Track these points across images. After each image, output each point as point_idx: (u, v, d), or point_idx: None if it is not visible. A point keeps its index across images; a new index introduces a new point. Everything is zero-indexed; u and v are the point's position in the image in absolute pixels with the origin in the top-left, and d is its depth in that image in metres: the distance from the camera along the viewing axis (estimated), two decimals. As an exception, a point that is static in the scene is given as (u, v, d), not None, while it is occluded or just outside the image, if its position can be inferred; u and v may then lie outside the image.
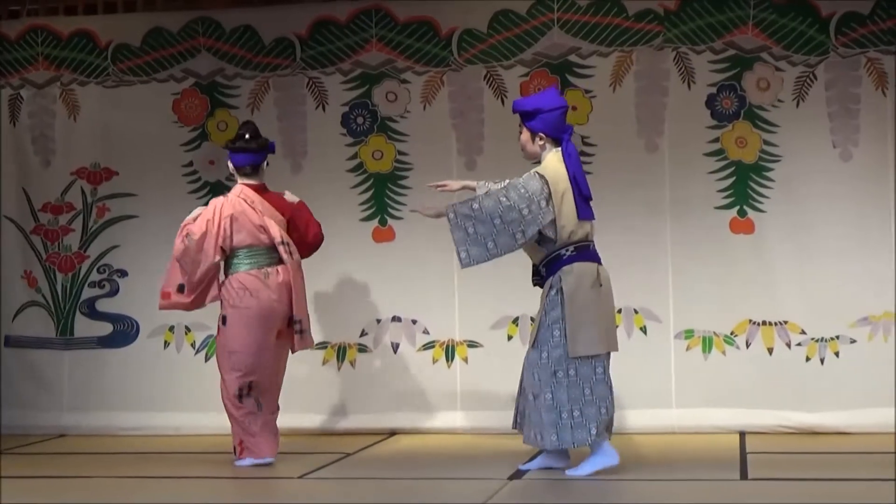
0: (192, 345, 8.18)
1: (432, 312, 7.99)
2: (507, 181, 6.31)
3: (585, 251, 6.21)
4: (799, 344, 7.56)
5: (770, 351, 7.63)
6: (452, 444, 7.41)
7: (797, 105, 7.62)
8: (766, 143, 7.65)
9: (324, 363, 8.03)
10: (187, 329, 8.19)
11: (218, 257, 6.70)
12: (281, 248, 6.74)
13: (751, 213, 7.65)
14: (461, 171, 7.91)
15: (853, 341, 7.51)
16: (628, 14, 7.77)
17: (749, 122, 7.68)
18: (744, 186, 7.67)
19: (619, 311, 7.71)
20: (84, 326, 8.33)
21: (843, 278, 7.51)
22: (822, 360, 7.55)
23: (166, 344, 8.23)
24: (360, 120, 8.08)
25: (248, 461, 6.63)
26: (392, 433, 7.83)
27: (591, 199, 6.25)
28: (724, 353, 7.67)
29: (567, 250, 6.17)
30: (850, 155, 7.55)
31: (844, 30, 7.58)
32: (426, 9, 7.99)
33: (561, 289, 6.11)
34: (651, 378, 7.68)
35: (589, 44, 7.81)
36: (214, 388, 7.90)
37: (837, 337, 7.54)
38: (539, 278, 6.32)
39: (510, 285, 7.79)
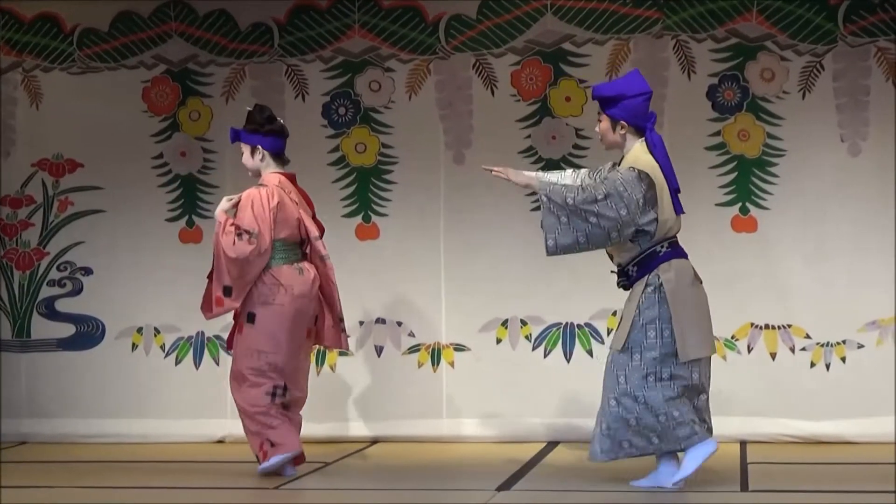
0: (162, 347, 8.08)
1: (418, 314, 7.94)
2: (605, 176, 6.12)
3: (678, 247, 6.07)
4: (804, 349, 7.56)
5: (773, 356, 7.64)
6: (438, 454, 7.38)
7: (803, 97, 7.60)
8: (770, 136, 7.63)
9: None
10: (157, 331, 8.09)
11: (270, 251, 6.58)
12: (319, 244, 6.66)
13: (753, 211, 7.65)
14: (449, 165, 7.92)
15: (861, 346, 7.51)
16: (626, 0, 7.72)
17: (752, 115, 7.67)
18: (746, 182, 7.66)
19: (614, 313, 7.66)
20: (42, 327, 8.21)
21: (851, 280, 7.52)
22: (827, 366, 7.56)
23: (134, 346, 8.12)
24: (341, 110, 8.02)
25: (276, 459, 6.42)
26: (374, 441, 7.79)
27: (679, 191, 6.08)
28: (724, 357, 7.61)
29: (662, 247, 6.00)
30: (859, 149, 7.54)
31: (853, 17, 7.58)
32: (413, -8, 7.98)
33: (660, 286, 5.93)
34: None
35: (584, 31, 7.79)
36: (185, 394, 7.93)
37: (844, 342, 7.54)
38: (626, 279, 6.11)
39: (500, 286, 7.84)
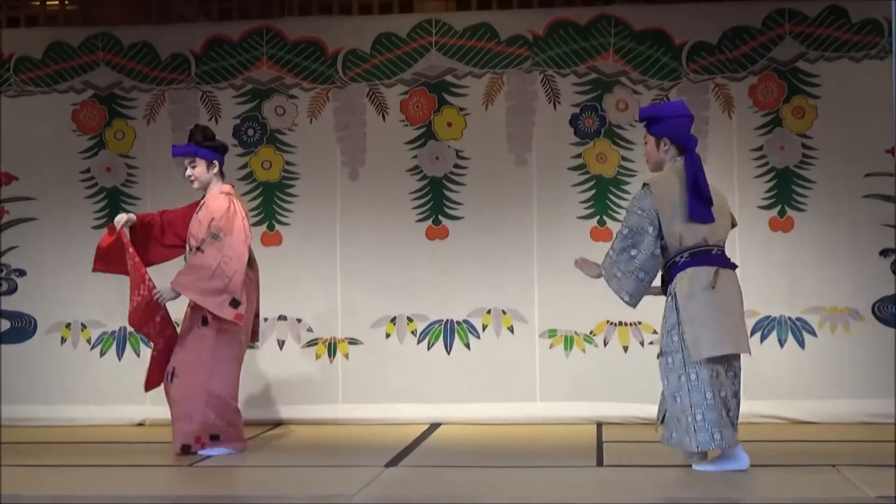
0: (88, 341, 8.01)
1: (316, 312, 7.94)
2: (624, 215, 5.92)
3: (703, 255, 5.71)
4: (651, 342, 7.60)
5: (625, 349, 7.74)
6: (334, 434, 7.37)
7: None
8: (624, 159, 7.76)
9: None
10: (83, 326, 8.03)
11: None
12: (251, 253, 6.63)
13: (609, 223, 7.73)
14: (344, 181, 7.92)
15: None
16: (500, 39, 7.83)
17: (608, 140, 7.78)
18: (603, 198, 7.77)
19: (489, 311, 7.82)
20: (-19, 323, 8.12)
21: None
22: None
23: (63, 340, 8.05)
24: (250, 132, 8.02)
25: (221, 450, 6.46)
26: (278, 424, 7.77)
27: (711, 204, 5.74)
28: (584, 350, 7.75)
29: (682, 257, 5.71)
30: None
31: (695, 58, 7.73)
32: (314, 29, 7.96)
33: (675, 294, 5.70)
34: (518, 373, 7.75)
35: (464, 65, 7.86)
36: (108, 382, 7.85)
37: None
38: (664, 288, 5.85)
39: (389, 287, 7.87)
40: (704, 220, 5.72)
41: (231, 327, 6.44)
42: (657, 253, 5.75)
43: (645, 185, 5.82)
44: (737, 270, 5.88)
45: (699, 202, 5.70)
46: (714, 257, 5.75)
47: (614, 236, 5.96)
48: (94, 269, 6.73)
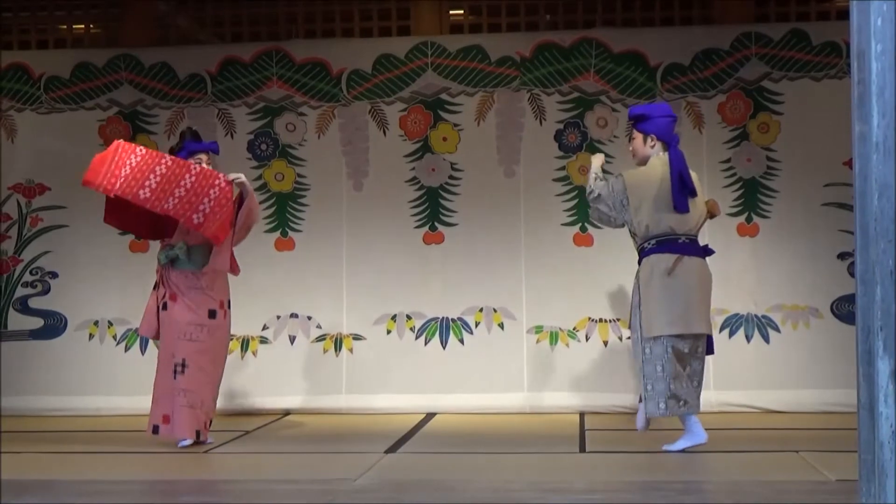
0: (114, 337, 7.94)
1: (324, 310, 7.87)
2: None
3: (668, 243, 5.77)
4: (629, 338, 7.47)
5: (605, 343, 7.68)
6: (338, 423, 7.31)
7: (629, 140, 7.57)
8: (604, 171, 7.60)
9: (229, 353, 7.78)
10: (110, 323, 7.95)
11: None
12: None
13: (591, 230, 7.70)
14: (350, 191, 7.87)
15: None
16: (490, 60, 7.79)
17: (590, 154, 7.55)
18: (585, 207, 7.59)
19: (481, 309, 7.76)
20: (17, 321, 8.02)
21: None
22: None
23: (91, 336, 7.98)
24: (263, 146, 7.95)
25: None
26: (286, 413, 7.71)
27: (694, 194, 5.83)
28: (567, 345, 7.70)
29: (649, 243, 5.80)
30: None
31: (669, 78, 7.69)
32: (319, 51, 7.91)
33: (638, 277, 5.83)
34: (507, 366, 7.69)
35: (458, 84, 7.82)
36: (133, 375, 7.77)
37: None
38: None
39: (390, 288, 7.81)
40: (684, 210, 5.77)
41: (227, 322, 6.28)
42: (606, 210, 5.95)
43: (619, 174, 5.96)
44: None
45: (682, 194, 5.75)
46: (680, 246, 5.78)
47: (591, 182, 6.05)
48: (106, 221, 6.30)
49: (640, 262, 5.89)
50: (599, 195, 5.97)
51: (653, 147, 5.92)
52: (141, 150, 6.00)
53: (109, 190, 5.95)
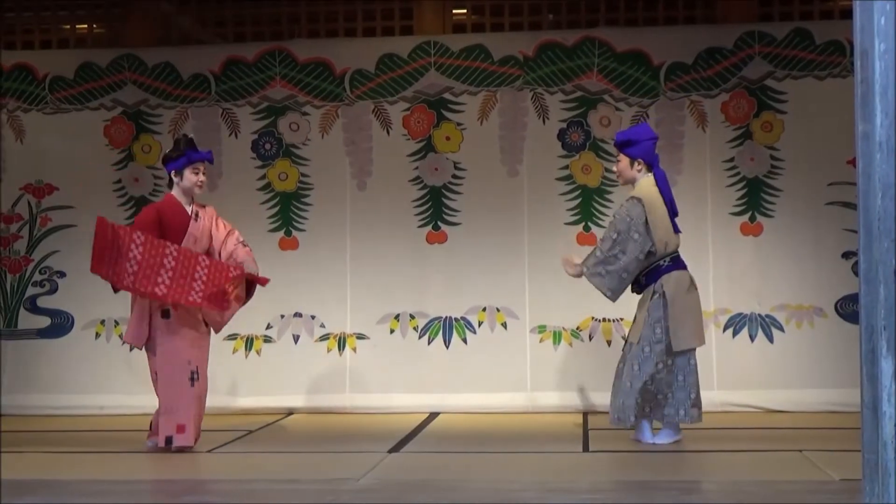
0: (120, 336, 7.88)
1: (328, 309, 7.85)
2: (613, 215, 6.18)
3: (678, 260, 6.07)
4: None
5: (608, 343, 7.65)
6: (341, 422, 7.28)
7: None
8: (608, 170, 7.63)
9: (234, 352, 7.84)
10: (116, 322, 7.92)
11: None
12: None
13: (594, 229, 7.66)
14: (353, 191, 7.84)
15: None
16: (493, 59, 7.76)
17: (593, 153, 7.71)
18: (588, 206, 7.70)
19: (484, 309, 7.73)
20: (26, 320, 8.03)
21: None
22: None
23: (97, 335, 7.97)
24: (267, 146, 7.93)
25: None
26: (290, 412, 7.68)
27: (677, 215, 6.11)
28: (571, 344, 7.67)
29: (665, 261, 6.01)
30: (675, 182, 7.46)
31: (672, 77, 7.66)
32: (322, 51, 7.88)
33: (664, 293, 5.95)
34: (511, 366, 7.66)
35: (461, 84, 7.79)
36: (138, 374, 7.69)
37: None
38: (638, 286, 6.11)
39: (394, 287, 7.79)
40: (678, 231, 6.09)
41: (210, 331, 6.19)
42: (641, 257, 5.97)
43: (634, 197, 6.02)
44: (710, 271, 6.21)
45: (674, 216, 6.07)
46: (683, 262, 6.09)
47: (600, 239, 6.16)
48: (93, 271, 5.90)
49: (653, 279, 6.00)
50: (619, 231, 5.94)
51: (639, 171, 6.12)
52: (140, 238, 5.79)
53: (122, 286, 5.85)
